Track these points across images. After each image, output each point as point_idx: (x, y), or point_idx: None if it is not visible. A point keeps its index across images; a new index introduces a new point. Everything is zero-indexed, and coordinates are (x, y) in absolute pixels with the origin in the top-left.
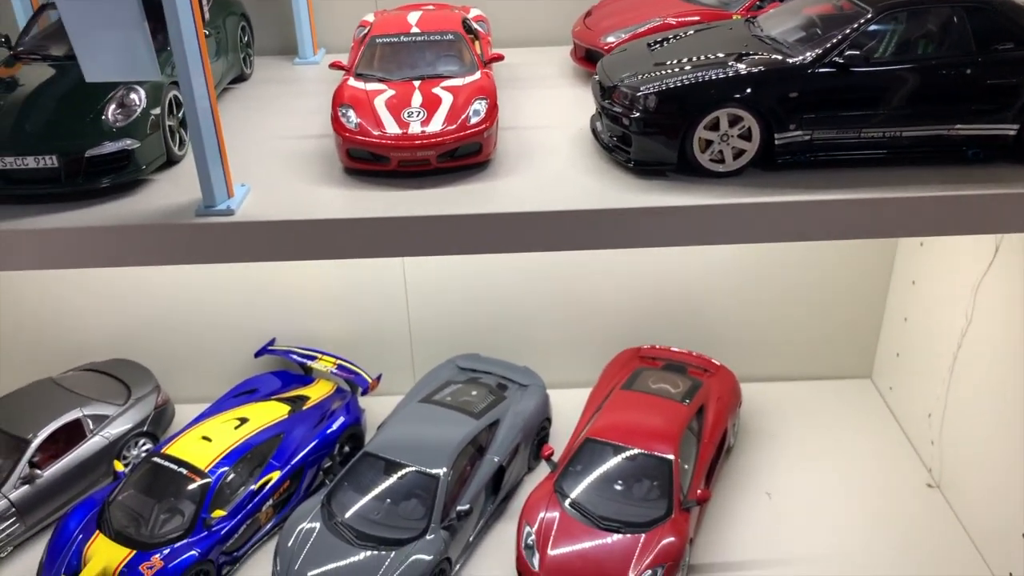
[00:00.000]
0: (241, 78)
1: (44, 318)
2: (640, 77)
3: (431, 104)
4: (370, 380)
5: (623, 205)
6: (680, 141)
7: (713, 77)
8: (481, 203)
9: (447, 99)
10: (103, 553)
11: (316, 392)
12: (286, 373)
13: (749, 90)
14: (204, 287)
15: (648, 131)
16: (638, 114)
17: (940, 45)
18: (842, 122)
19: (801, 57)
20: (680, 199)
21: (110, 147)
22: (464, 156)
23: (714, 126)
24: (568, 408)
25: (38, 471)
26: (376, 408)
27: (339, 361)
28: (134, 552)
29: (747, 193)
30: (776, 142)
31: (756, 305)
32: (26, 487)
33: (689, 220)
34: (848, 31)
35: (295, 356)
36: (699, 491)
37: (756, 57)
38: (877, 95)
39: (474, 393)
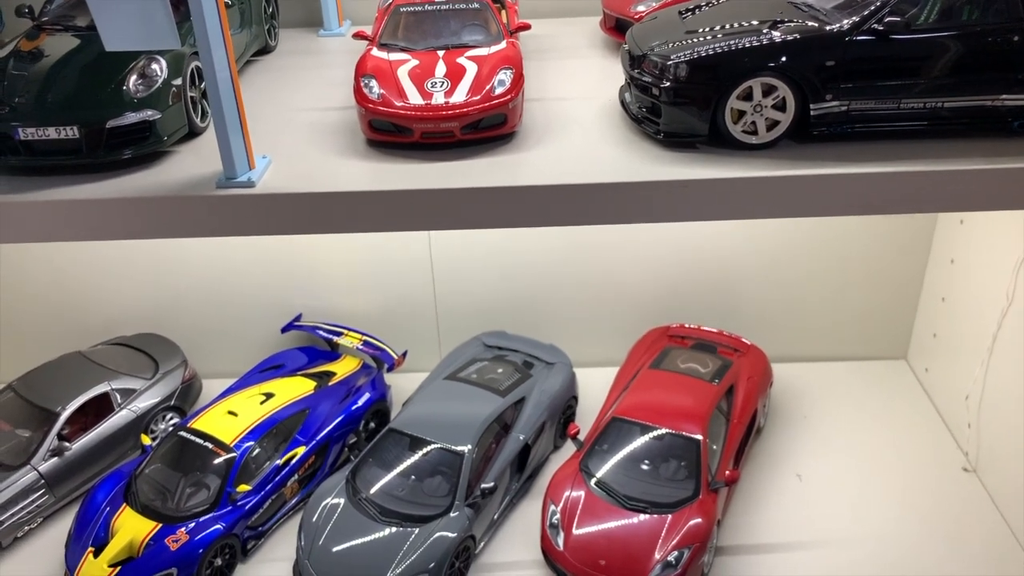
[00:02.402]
0: (265, 50)
1: (73, 292)
2: (671, 45)
3: (455, 74)
4: (396, 356)
5: (652, 178)
6: (712, 112)
7: (746, 45)
8: (505, 176)
9: (471, 69)
10: (130, 526)
11: (342, 368)
12: (312, 349)
13: (784, 59)
14: (232, 262)
15: (679, 101)
16: (668, 84)
17: (985, 11)
18: (881, 92)
19: (839, 24)
20: (711, 172)
21: (131, 118)
22: (488, 128)
23: (747, 96)
24: (595, 387)
25: (67, 443)
26: (402, 385)
27: (365, 337)
28: (160, 525)
29: (781, 166)
30: (811, 113)
31: (789, 283)
32: (55, 459)
33: (721, 194)
34: None
35: (321, 332)
36: (727, 472)
37: (791, 24)
38: (918, 64)
39: (500, 371)
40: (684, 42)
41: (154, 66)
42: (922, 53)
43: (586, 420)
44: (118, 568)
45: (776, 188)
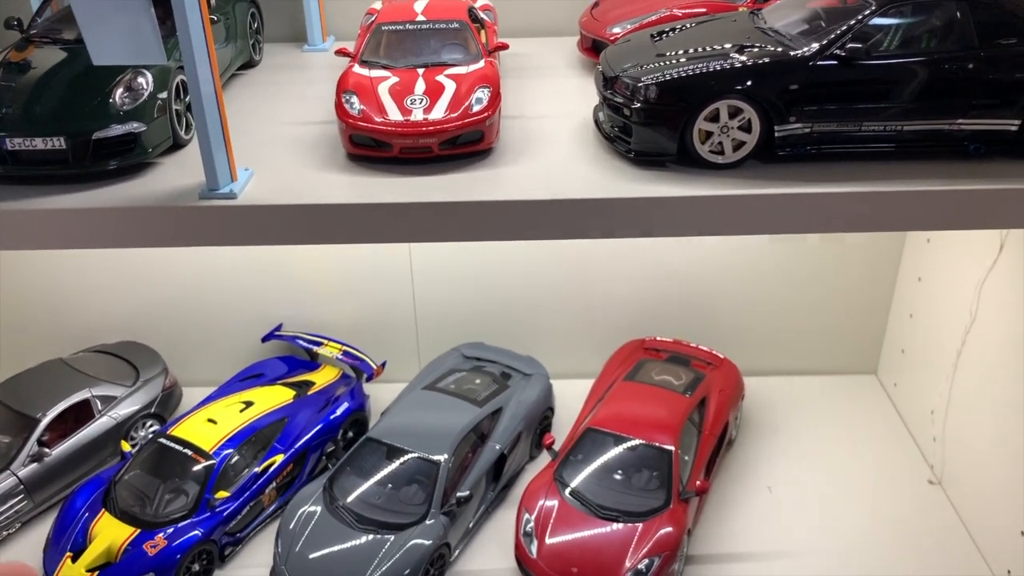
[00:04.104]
0: (250, 64)
1: (55, 299)
2: (641, 68)
3: (434, 92)
4: (375, 367)
5: (622, 195)
6: (680, 132)
7: (714, 68)
8: (481, 191)
9: (450, 87)
10: (108, 531)
11: (321, 378)
12: (292, 358)
13: (749, 82)
14: (213, 272)
15: (649, 122)
16: (639, 105)
17: (943, 39)
18: (843, 115)
19: (803, 49)
20: (679, 190)
21: (117, 130)
22: (466, 144)
23: (714, 117)
24: (571, 398)
25: (46, 449)
26: (380, 394)
27: (345, 347)
28: (138, 531)
29: (746, 185)
30: (776, 134)
31: (762, 299)
32: (35, 465)
33: (688, 211)
34: (850, 24)
35: (301, 342)
36: (698, 482)
37: (757, 49)
38: (878, 89)
39: (478, 381)
40: (654, 65)
41: (140, 80)
42: (882, 78)
43: (562, 430)
44: (96, 573)
45: (741, 206)
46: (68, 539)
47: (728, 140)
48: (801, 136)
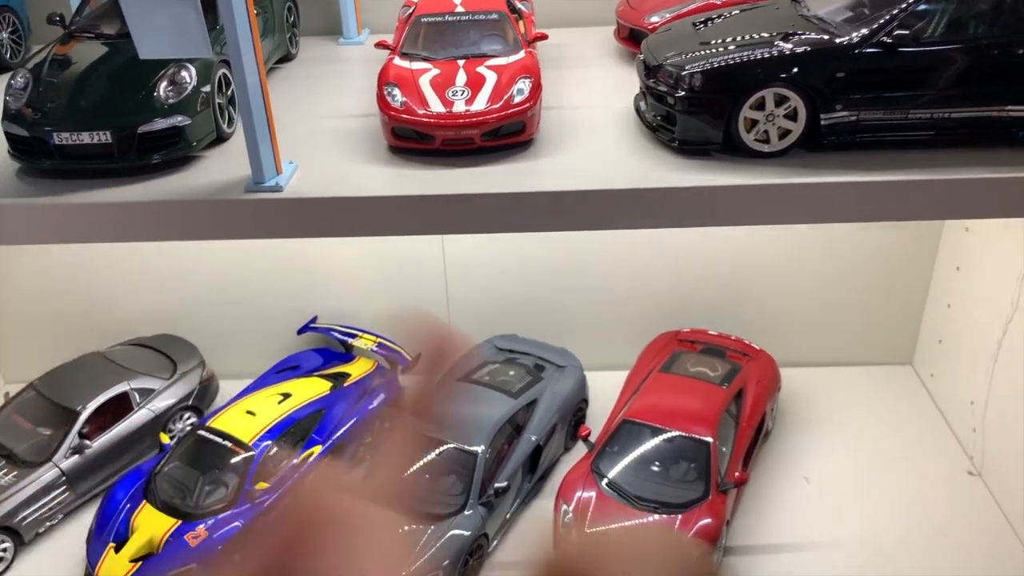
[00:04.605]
0: (287, 58)
1: (93, 293)
2: (685, 56)
3: (475, 83)
4: (410, 358)
5: (667, 184)
6: (725, 121)
7: (759, 56)
8: (524, 182)
9: (491, 78)
10: (150, 522)
11: (357, 369)
12: (327, 350)
13: (795, 70)
14: (249, 265)
15: (693, 110)
16: (683, 93)
17: (991, 25)
18: (889, 103)
19: (848, 37)
20: (725, 179)
21: (161, 123)
22: (507, 135)
23: (760, 106)
24: (605, 390)
25: (87, 442)
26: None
27: (380, 339)
28: (180, 522)
29: (793, 174)
30: (822, 122)
31: (797, 289)
32: (76, 457)
33: (734, 200)
34: (897, 10)
35: (336, 334)
36: (737, 473)
37: (802, 37)
38: (925, 76)
39: (512, 373)
40: (698, 53)
41: (184, 73)
42: (929, 65)
43: (596, 423)
44: (139, 564)
45: (788, 195)
46: (111, 530)
47: (774, 128)
48: (847, 124)
